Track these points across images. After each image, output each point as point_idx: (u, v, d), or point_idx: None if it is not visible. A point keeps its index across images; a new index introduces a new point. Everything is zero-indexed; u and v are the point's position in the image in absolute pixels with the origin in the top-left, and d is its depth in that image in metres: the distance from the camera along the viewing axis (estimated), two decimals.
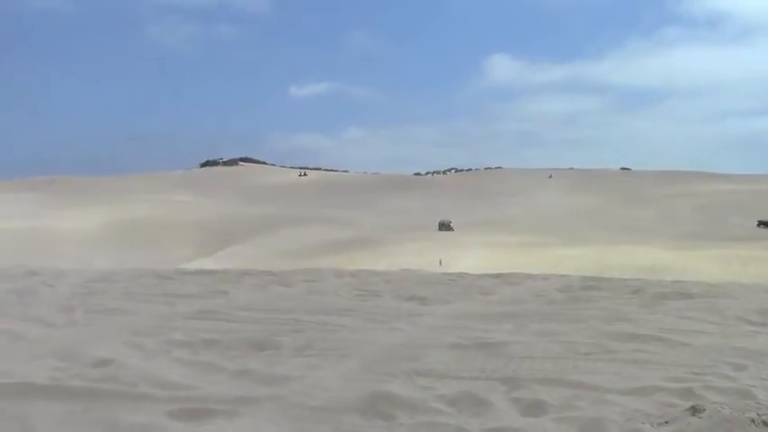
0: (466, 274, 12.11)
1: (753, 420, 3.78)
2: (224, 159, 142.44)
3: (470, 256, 23.77)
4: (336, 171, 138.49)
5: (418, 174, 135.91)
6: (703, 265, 18.45)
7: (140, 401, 4.62)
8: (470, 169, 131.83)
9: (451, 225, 42.03)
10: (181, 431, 4.05)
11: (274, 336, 6.50)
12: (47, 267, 13.65)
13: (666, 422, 3.95)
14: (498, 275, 11.73)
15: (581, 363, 5.45)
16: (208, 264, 23.68)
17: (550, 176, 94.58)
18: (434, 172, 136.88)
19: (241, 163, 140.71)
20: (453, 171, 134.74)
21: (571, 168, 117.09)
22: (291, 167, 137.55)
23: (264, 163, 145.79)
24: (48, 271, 12.65)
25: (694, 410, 3.95)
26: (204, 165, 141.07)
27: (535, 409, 4.41)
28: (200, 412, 4.41)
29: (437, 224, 42.61)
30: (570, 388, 4.77)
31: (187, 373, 5.29)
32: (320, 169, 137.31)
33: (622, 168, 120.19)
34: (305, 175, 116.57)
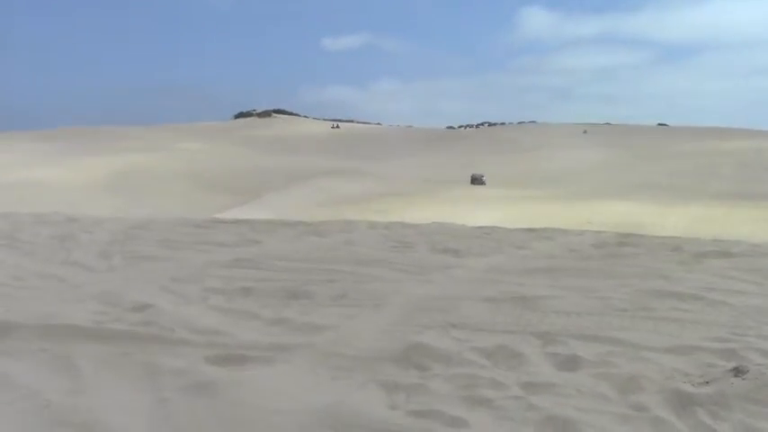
0: (498, 227, 12.00)
1: None
2: (257, 111, 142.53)
3: (502, 210, 23.58)
4: (369, 124, 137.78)
5: (451, 127, 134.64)
6: (744, 224, 18.08)
7: (178, 346, 4.68)
8: (503, 123, 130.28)
9: (484, 179, 41.65)
10: (218, 376, 4.10)
11: (308, 285, 6.53)
12: (86, 214, 13.85)
13: (707, 382, 3.90)
14: (531, 230, 11.62)
15: (617, 319, 5.40)
16: (242, 213, 23.80)
17: (585, 131, 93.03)
18: (467, 126, 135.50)
19: (274, 114, 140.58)
20: (486, 125, 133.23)
21: (607, 124, 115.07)
22: (324, 119, 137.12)
23: (297, 115, 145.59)
24: (86, 218, 12.83)
25: (737, 371, 3.89)
26: (238, 116, 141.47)
27: (570, 363, 4.38)
28: (236, 358, 4.47)
29: (469, 178, 42.27)
30: (606, 344, 4.72)
31: (223, 320, 5.35)
32: (353, 122, 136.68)
33: (659, 124, 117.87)
34: (337, 127, 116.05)
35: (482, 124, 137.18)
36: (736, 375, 3.84)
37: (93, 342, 4.73)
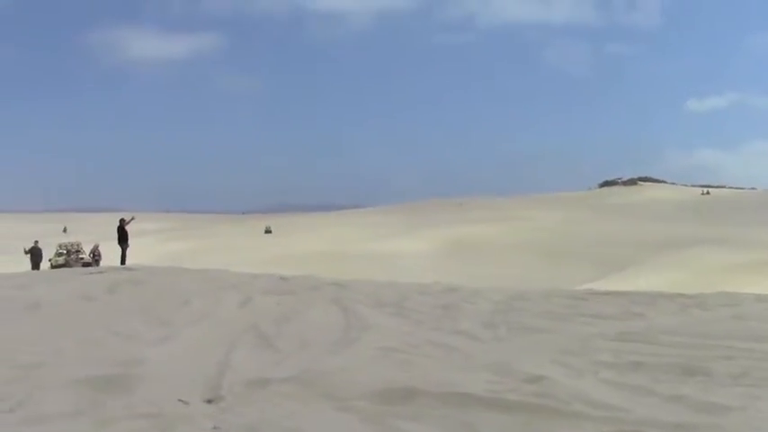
0: None
1: None
2: (623, 179, 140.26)
3: None
4: (742, 189, 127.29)
5: None
6: None
7: (575, 419, 4.65)
8: None
9: None
10: None
11: (703, 362, 6.11)
12: (464, 285, 14.65)
13: None
14: None
15: None
16: (614, 284, 23.29)
17: None
18: None
19: (640, 182, 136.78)
20: None
21: None
22: (692, 185, 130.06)
23: (664, 182, 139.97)
24: (465, 288, 13.56)
25: None
26: (603, 185, 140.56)
27: None
28: None
29: None
30: None
31: (617, 395, 5.20)
32: (724, 187, 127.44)
33: None
34: (707, 193, 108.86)
35: None
36: None
37: (492, 411, 4.89)
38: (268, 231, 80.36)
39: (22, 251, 30.17)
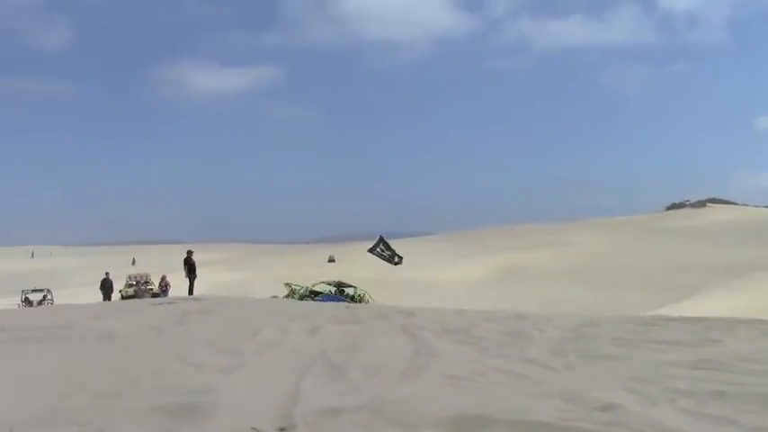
0: None
1: None
2: (691, 201, 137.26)
3: None
4: None
5: None
6: None
7: None
8: None
9: None
10: None
11: None
12: (531, 311, 14.46)
13: None
14: None
15: None
16: (684, 309, 22.68)
17: None
18: None
19: (709, 204, 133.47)
20: None
21: None
22: (765, 206, 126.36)
23: (734, 203, 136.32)
24: (533, 315, 13.38)
25: None
26: (670, 207, 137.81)
27: None
28: None
29: None
30: None
31: (697, 425, 5.04)
32: None
33: None
34: None
35: None
36: None
37: None
38: (331, 260, 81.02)
39: (96, 283, 31.06)
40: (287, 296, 24.27)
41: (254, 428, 5.11)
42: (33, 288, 44.01)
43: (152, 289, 35.97)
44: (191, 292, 22.58)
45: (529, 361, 8.06)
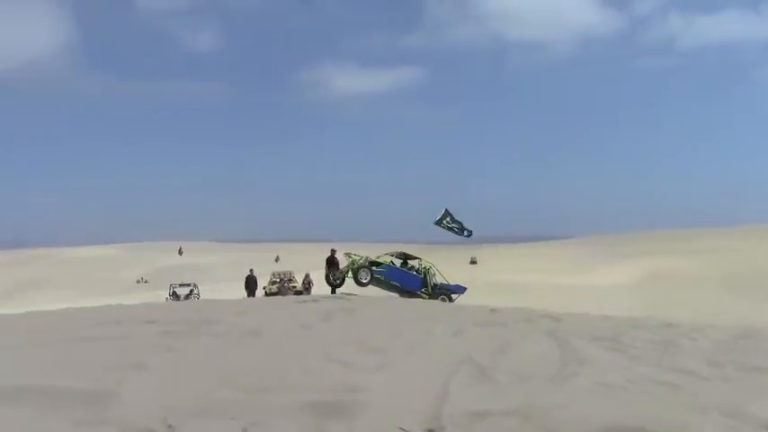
0: None
1: None
2: None
3: None
4: None
5: None
6: None
7: None
8: None
9: None
10: None
11: None
12: (681, 320, 13.86)
13: None
14: None
15: None
16: None
17: None
18: None
19: None
20: None
21: None
22: None
23: None
24: (683, 323, 12.83)
25: None
26: None
27: None
28: None
29: None
30: None
31: None
32: None
33: None
34: None
35: None
36: None
37: None
38: (473, 262, 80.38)
39: (240, 279, 32.21)
40: (346, 267, 23.59)
41: (401, 429, 5.17)
42: (181, 282, 45.74)
43: (295, 287, 36.83)
44: (333, 290, 23.02)
45: (682, 371, 7.74)
